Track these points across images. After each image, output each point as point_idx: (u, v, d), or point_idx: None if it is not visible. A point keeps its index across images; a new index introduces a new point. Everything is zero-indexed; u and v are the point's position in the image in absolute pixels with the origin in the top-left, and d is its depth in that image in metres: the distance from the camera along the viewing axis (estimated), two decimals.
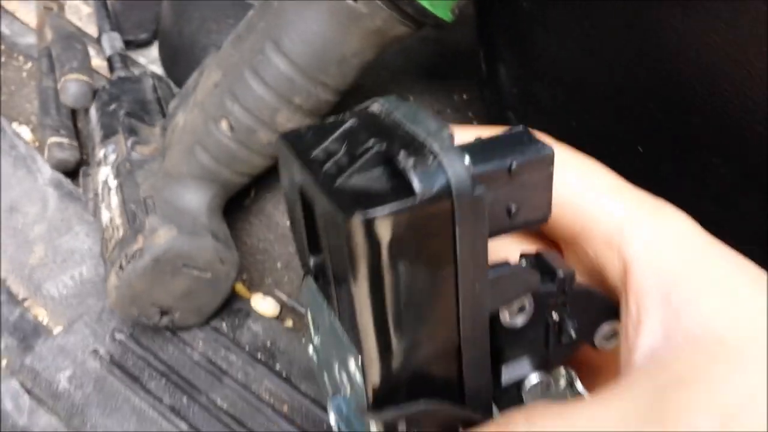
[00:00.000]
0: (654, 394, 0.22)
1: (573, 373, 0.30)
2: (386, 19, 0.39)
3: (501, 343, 0.26)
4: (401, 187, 0.20)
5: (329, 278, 0.25)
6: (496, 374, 0.27)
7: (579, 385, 0.30)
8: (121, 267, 0.43)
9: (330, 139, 0.24)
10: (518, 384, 0.27)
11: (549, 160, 0.23)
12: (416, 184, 0.20)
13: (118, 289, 0.43)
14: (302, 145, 0.24)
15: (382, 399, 0.24)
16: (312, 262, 0.27)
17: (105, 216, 0.46)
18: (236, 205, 0.54)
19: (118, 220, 0.45)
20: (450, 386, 0.25)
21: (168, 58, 0.59)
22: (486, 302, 0.23)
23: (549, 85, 0.36)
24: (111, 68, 0.62)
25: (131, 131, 0.49)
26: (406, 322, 0.22)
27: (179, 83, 0.58)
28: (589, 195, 0.25)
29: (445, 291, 0.22)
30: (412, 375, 0.24)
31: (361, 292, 0.21)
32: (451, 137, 0.22)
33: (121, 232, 0.44)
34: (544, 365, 0.27)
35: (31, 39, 0.73)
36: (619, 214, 0.25)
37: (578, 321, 0.26)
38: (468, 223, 0.21)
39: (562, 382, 0.31)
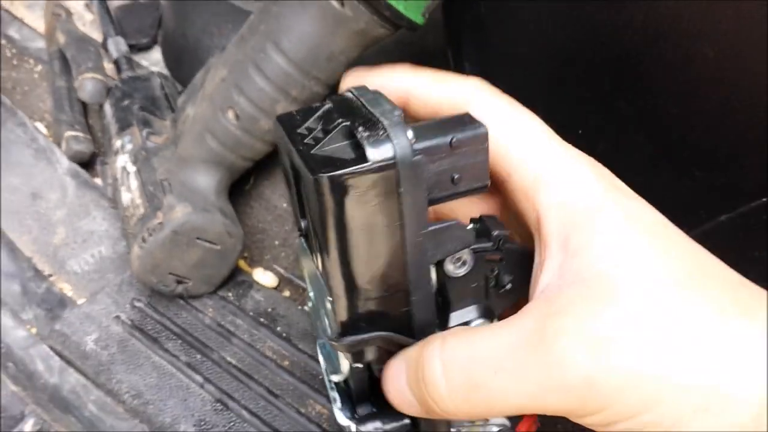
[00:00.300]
0: (536, 323, 0.25)
1: None
2: (368, 22, 0.45)
3: (449, 293, 0.32)
4: (360, 155, 0.27)
5: (312, 236, 0.32)
6: (445, 319, 0.32)
7: None
8: (143, 239, 0.49)
9: (311, 119, 0.30)
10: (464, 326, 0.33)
11: (484, 138, 0.29)
12: (369, 152, 0.26)
13: (141, 259, 0.50)
14: (291, 125, 0.31)
15: (346, 331, 0.30)
16: (302, 224, 0.34)
17: (125, 197, 0.53)
18: (238, 190, 0.60)
19: (138, 200, 0.51)
20: (402, 322, 0.31)
21: (172, 59, 0.65)
22: (427, 251, 0.29)
23: (504, 77, 0.44)
24: (118, 69, 0.68)
25: (145, 123, 0.56)
26: (365, 265, 0.28)
27: (183, 81, 0.64)
28: (514, 146, 0.29)
29: (394, 240, 0.28)
30: (371, 313, 0.30)
31: (329, 239, 0.27)
32: (401, 116, 0.28)
33: (141, 210, 0.51)
34: (488, 314, 0.33)
35: (40, 43, 0.79)
36: (536, 166, 0.28)
37: (514, 275, 0.32)
38: (410, 183, 0.27)
39: None
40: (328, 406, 0.50)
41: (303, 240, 0.35)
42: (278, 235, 0.60)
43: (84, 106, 0.69)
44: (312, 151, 0.28)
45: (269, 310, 0.56)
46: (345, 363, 0.32)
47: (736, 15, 0.32)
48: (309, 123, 0.30)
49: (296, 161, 0.29)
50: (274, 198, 0.61)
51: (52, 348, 0.54)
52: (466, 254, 0.31)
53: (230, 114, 0.49)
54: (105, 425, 0.51)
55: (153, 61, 0.77)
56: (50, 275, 0.59)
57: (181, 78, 0.65)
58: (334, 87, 0.50)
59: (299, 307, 0.56)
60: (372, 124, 0.27)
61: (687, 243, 0.26)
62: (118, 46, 0.71)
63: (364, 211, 0.27)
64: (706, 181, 0.39)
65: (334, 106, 0.31)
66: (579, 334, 0.24)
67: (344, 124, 0.28)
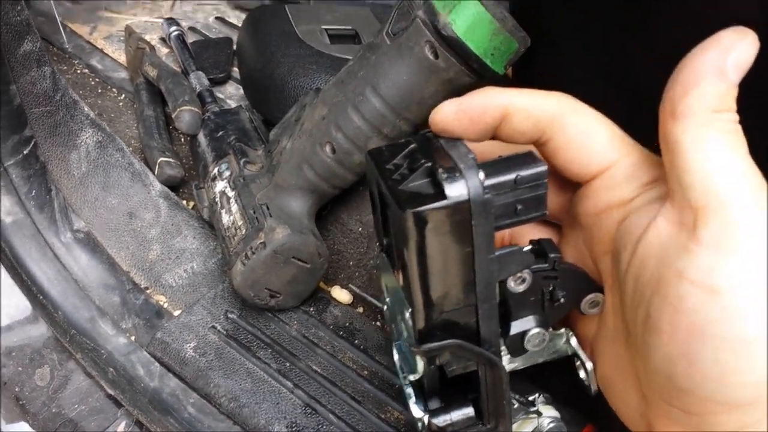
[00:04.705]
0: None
1: (570, 333, 0.41)
2: (457, 72, 0.52)
3: (510, 306, 0.37)
4: (439, 192, 0.32)
5: (393, 253, 0.37)
6: (507, 328, 0.38)
7: (573, 341, 0.42)
8: (246, 257, 0.55)
9: (398, 156, 0.35)
10: (522, 335, 0.38)
11: (544, 174, 0.34)
12: (447, 191, 0.31)
13: (243, 274, 0.55)
14: (380, 159, 0.36)
15: (424, 338, 0.35)
16: (385, 241, 0.39)
17: (225, 219, 0.59)
18: (317, 215, 0.66)
19: (239, 222, 0.57)
20: (470, 333, 0.36)
21: (258, 96, 0.71)
22: (494, 272, 0.34)
23: None
24: (202, 102, 0.74)
25: (242, 153, 0.62)
26: (440, 284, 0.33)
27: (266, 115, 0.71)
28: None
29: (466, 263, 0.33)
30: (445, 323, 0.35)
31: (412, 262, 0.33)
32: (475, 159, 0.33)
33: (243, 231, 0.57)
34: (543, 324, 0.38)
35: (122, 74, 0.86)
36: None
37: (567, 291, 0.37)
38: (480, 217, 0.32)
39: (563, 338, 0.43)
40: (405, 413, 0.55)
41: (384, 255, 0.40)
42: (353, 256, 0.66)
43: (170, 134, 0.75)
44: (399, 187, 0.32)
45: (347, 324, 0.61)
46: (421, 364, 0.37)
47: None
48: (396, 160, 0.35)
49: (384, 192, 0.34)
50: (350, 222, 0.67)
51: (152, 354, 0.60)
52: (526, 273, 0.36)
53: (327, 148, 0.56)
54: (203, 426, 0.56)
55: (227, 94, 0.83)
56: (147, 288, 0.64)
57: (264, 112, 0.71)
58: (420, 126, 0.56)
59: (373, 323, 0.62)
60: (450, 166, 0.32)
61: None
62: (200, 80, 0.77)
63: (441, 239, 0.32)
64: None
65: (418, 146, 0.35)
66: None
67: (426, 165, 0.33)
